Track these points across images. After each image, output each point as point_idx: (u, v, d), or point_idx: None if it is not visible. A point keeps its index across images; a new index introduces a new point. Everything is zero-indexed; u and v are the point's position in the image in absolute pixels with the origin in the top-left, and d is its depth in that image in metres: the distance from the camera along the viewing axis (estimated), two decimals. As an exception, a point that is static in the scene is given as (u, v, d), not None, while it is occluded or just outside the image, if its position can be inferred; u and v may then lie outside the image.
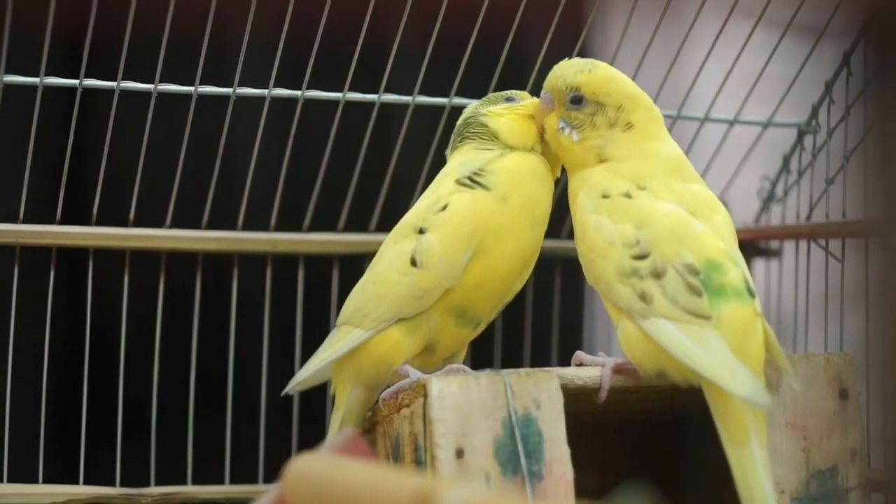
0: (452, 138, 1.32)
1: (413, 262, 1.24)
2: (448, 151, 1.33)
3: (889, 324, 0.82)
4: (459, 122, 1.32)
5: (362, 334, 1.26)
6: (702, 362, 1.15)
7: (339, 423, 1.28)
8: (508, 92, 1.32)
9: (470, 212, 1.24)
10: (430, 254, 1.24)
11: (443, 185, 1.28)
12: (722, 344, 1.16)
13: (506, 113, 1.29)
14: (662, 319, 1.17)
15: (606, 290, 1.21)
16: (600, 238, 1.21)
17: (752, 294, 1.19)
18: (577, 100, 1.24)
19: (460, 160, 1.29)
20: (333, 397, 1.30)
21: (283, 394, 1.33)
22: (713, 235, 1.20)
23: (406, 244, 1.26)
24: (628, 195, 1.22)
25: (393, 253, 1.27)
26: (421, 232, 1.25)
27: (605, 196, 1.22)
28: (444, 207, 1.25)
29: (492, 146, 1.28)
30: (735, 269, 1.19)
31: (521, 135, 1.29)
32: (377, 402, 1.25)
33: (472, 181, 1.25)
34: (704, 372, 1.15)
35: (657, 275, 1.18)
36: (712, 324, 1.17)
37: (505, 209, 1.25)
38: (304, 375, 1.30)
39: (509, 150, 1.28)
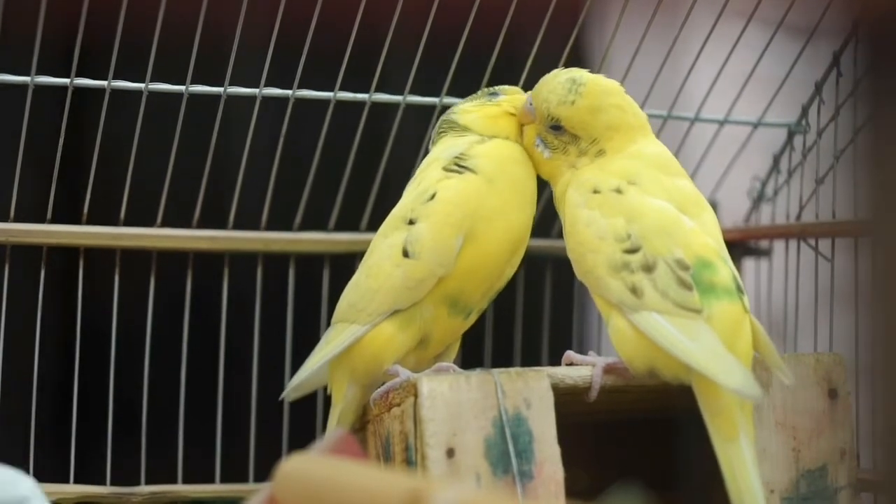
0: (432, 136, 1.34)
1: (405, 253, 1.25)
2: (431, 147, 1.34)
3: (881, 323, 0.82)
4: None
5: (358, 330, 1.26)
6: (692, 355, 1.16)
7: (337, 420, 1.28)
8: (496, 88, 1.32)
9: (459, 198, 1.25)
10: (422, 243, 1.24)
11: (429, 173, 1.28)
12: (713, 337, 1.16)
13: (474, 110, 1.31)
14: (653, 313, 1.18)
15: (597, 285, 1.22)
16: (591, 233, 1.22)
17: (741, 291, 1.20)
18: (556, 128, 1.26)
19: (441, 148, 1.30)
20: (329, 396, 1.30)
21: (280, 398, 1.34)
22: (702, 233, 1.21)
23: (397, 236, 1.26)
24: (619, 190, 1.23)
25: (384, 246, 1.27)
26: (411, 223, 1.26)
27: (595, 191, 1.23)
28: (433, 196, 1.25)
29: (466, 135, 1.29)
30: (724, 267, 1.20)
31: (491, 129, 1.30)
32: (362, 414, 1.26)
33: (459, 166, 1.26)
34: (695, 364, 1.15)
35: (648, 268, 1.19)
36: (703, 317, 1.17)
37: (493, 191, 1.25)
38: (302, 377, 1.30)
39: (487, 138, 1.29)
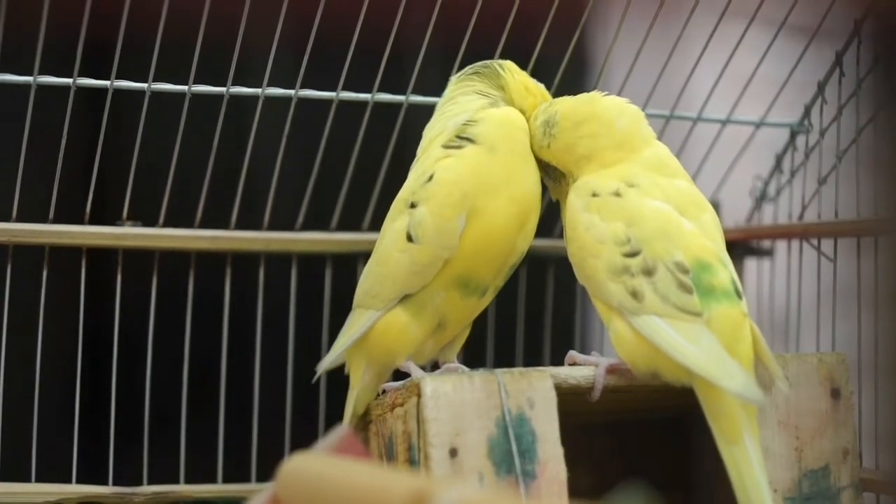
0: (464, 71, 1.33)
1: (409, 238, 1.25)
2: (453, 78, 1.33)
3: (888, 324, 0.82)
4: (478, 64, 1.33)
5: (373, 315, 1.27)
6: (693, 359, 1.16)
7: (354, 402, 1.29)
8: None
9: (456, 177, 1.24)
10: (424, 227, 1.24)
11: (429, 152, 1.28)
12: (713, 340, 1.16)
13: (521, 74, 1.31)
14: (654, 316, 1.18)
15: (597, 289, 1.22)
16: (591, 237, 1.22)
17: (739, 295, 1.20)
18: (548, 168, 1.29)
19: (452, 111, 1.29)
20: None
21: (314, 381, 1.34)
22: (701, 235, 1.21)
23: (401, 221, 1.26)
24: (618, 193, 1.23)
25: (390, 231, 1.27)
26: (413, 206, 1.25)
27: (594, 195, 1.23)
28: (431, 178, 1.25)
29: (492, 94, 1.29)
30: (723, 270, 1.20)
31: (520, 99, 1.31)
32: (376, 396, 1.26)
33: (460, 138, 1.26)
34: (695, 368, 1.15)
35: (648, 272, 1.19)
36: (703, 320, 1.17)
37: (495, 159, 1.25)
38: (331, 358, 1.31)
39: (502, 104, 1.29)
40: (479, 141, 1.25)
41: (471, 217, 1.24)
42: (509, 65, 1.32)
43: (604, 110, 1.27)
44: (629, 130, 1.26)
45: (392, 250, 1.26)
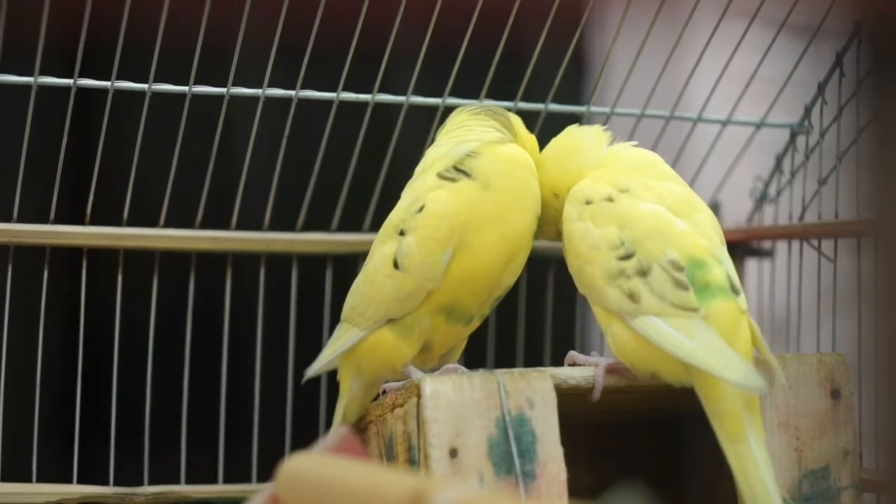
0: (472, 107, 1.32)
1: (396, 265, 1.25)
2: (461, 110, 1.32)
3: (884, 324, 0.82)
4: (482, 109, 1.32)
5: (359, 333, 1.27)
6: (693, 353, 1.16)
7: (343, 411, 1.29)
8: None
9: (447, 211, 1.24)
10: (410, 257, 1.24)
11: (423, 180, 1.27)
12: (712, 334, 1.16)
13: (527, 134, 1.32)
14: (651, 317, 1.18)
15: (596, 296, 1.22)
16: (586, 244, 1.22)
17: (736, 291, 1.20)
18: None
19: (456, 139, 1.28)
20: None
21: (303, 381, 1.34)
22: (695, 234, 1.21)
23: (390, 245, 1.26)
24: (610, 199, 1.23)
25: (379, 254, 1.27)
26: (402, 233, 1.25)
27: (588, 202, 1.23)
28: (422, 208, 1.25)
29: (503, 132, 1.28)
30: (718, 266, 1.20)
31: (529, 146, 1.30)
32: (374, 399, 1.26)
33: (457, 170, 1.25)
34: (696, 362, 1.15)
35: (643, 273, 1.19)
36: (700, 316, 1.17)
37: (488, 196, 1.24)
38: (317, 367, 1.31)
39: (509, 142, 1.28)
40: (474, 176, 1.24)
41: (457, 251, 1.23)
42: (516, 118, 1.32)
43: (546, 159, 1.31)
44: (580, 160, 1.29)
45: (379, 273, 1.26)
